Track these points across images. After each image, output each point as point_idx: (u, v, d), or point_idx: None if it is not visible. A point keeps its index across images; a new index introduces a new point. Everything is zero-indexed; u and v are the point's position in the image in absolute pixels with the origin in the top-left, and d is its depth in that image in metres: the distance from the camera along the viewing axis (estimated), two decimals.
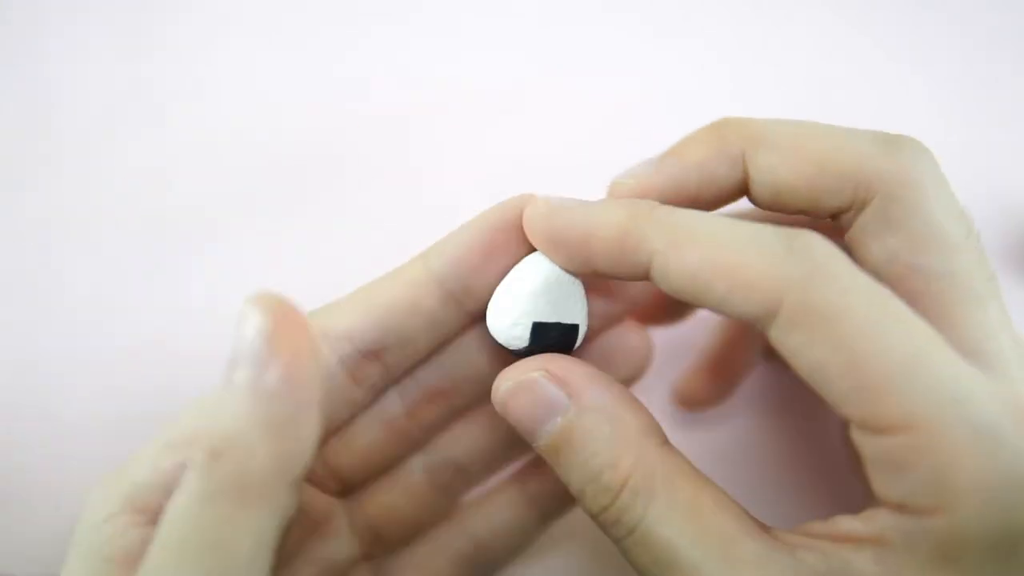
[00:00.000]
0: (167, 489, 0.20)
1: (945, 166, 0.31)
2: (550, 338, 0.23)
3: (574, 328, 0.24)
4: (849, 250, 0.20)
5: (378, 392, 0.25)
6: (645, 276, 0.20)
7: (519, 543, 0.27)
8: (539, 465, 0.27)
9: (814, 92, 0.34)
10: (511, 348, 0.24)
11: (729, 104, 0.33)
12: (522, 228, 0.23)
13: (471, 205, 0.33)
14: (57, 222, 0.33)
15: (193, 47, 0.34)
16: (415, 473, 0.26)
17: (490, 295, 0.24)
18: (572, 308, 0.24)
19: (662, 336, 0.29)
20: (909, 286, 0.20)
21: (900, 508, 0.18)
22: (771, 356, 0.29)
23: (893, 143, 0.21)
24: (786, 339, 0.18)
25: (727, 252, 0.19)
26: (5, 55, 0.34)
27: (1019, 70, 0.34)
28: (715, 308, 0.20)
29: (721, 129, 0.22)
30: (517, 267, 0.24)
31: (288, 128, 0.33)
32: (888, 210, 0.20)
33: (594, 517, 0.20)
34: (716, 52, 0.34)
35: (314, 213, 0.33)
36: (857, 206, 0.20)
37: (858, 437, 0.18)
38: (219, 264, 0.32)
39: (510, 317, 0.23)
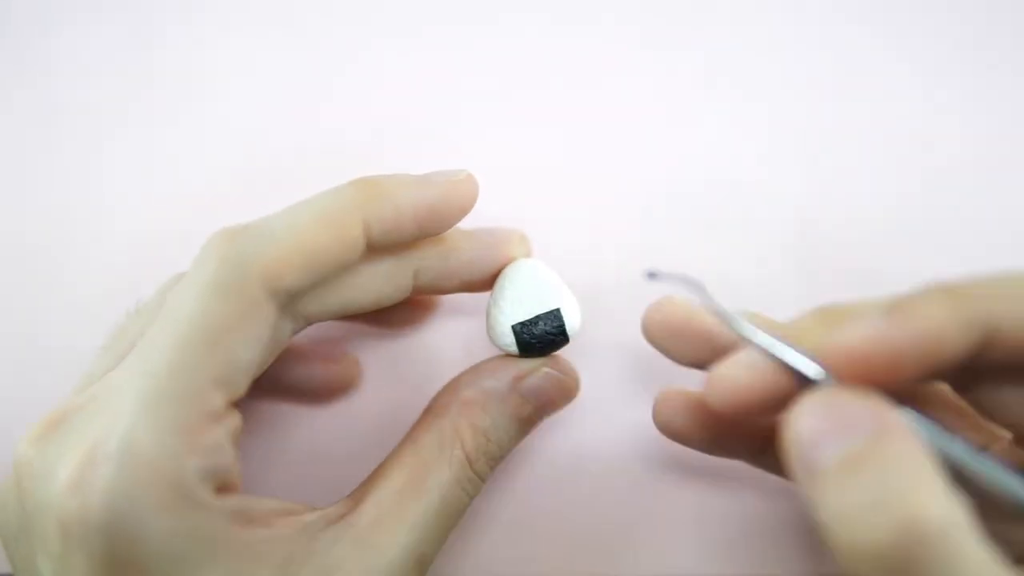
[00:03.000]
0: None
1: (946, 165, 0.31)
2: (538, 331, 0.26)
3: (556, 312, 0.26)
4: None
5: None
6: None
7: None
8: None
9: (815, 95, 0.34)
10: (511, 353, 0.27)
11: (729, 105, 0.33)
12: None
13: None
14: (61, 219, 0.33)
15: (200, 43, 0.34)
16: None
17: None
18: (551, 297, 0.27)
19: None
20: None
21: None
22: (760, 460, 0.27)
23: None
24: None
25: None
26: (10, 52, 0.34)
27: (1020, 70, 0.34)
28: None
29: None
30: (500, 277, 0.27)
31: (293, 127, 0.34)
32: None
33: (864, 551, 0.18)
34: (716, 54, 0.34)
35: None
36: None
37: None
38: None
39: (497, 327, 0.27)
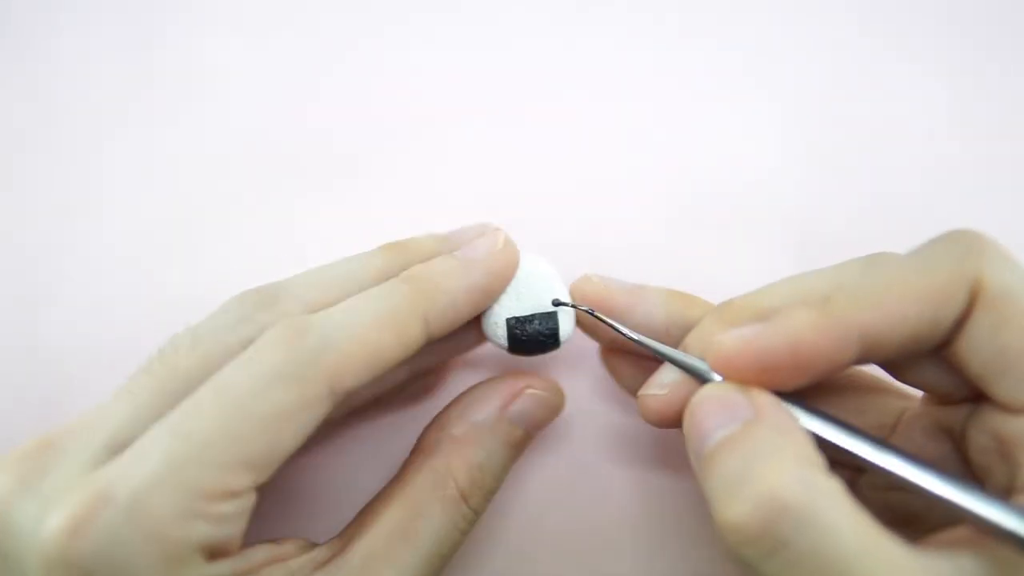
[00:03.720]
0: None
1: (946, 166, 0.31)
2: (532, 329, 0.26)
3: (553, 315, 0.26)
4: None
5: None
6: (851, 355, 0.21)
7: None
8: None
9: (815, 96, 0.34)
10: (502, 346, 0.27)
11: (729, 107, 0.34)
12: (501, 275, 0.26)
13: (472, 206, 0.33)
14: (62, 216, 0.33)
15: (200, 43, 0.34)
16: None
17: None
18: (550, 298, 0.26)
19: None
20: None
21: None
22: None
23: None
24: (980, 323, 0.20)
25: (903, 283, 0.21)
26: (11, 50, 0.34)
27: (1019, 70, 0.34)
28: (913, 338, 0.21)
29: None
30: None
31: (293, 127, 0.34)
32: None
33: (730, 525, 0.19)
34: (716, 57, 0.34)
35: (312, 208, 0.33)
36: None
37: (1021, 425, 0.20)
38: (224, 258, 0.32)
39: (492, 316, 0.26)
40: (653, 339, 0.26)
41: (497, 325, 0.26)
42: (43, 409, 0.31)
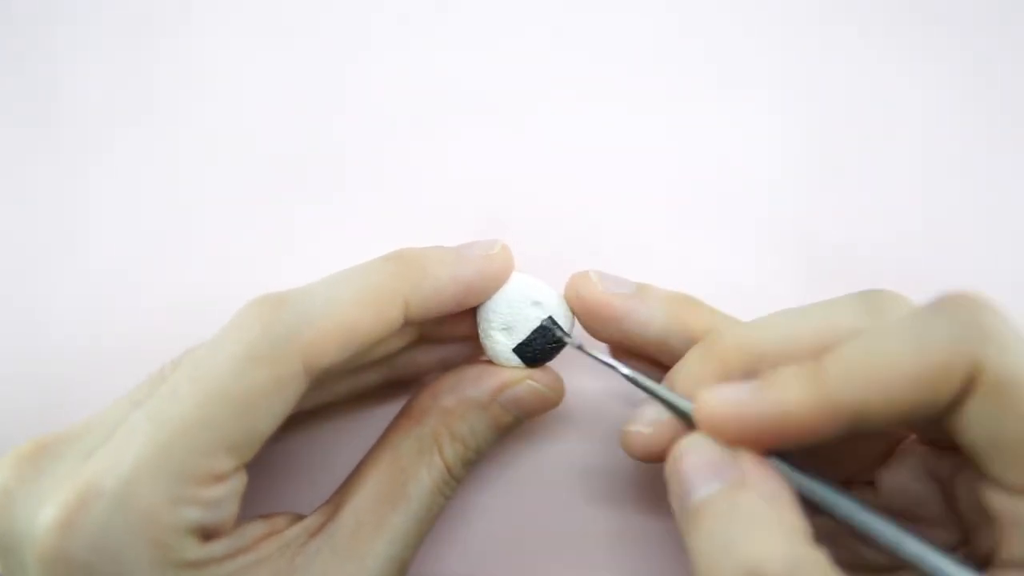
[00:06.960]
0: None
1: (945, 167, 0.31)
2: (538, 346, 0.27)
3: (547, 322, 0.27)
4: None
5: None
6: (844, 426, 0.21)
7: None
8: None
9: (815, 97, 0.34)
10: (519, 368, 0.27)
11: (730, 107, 0.34)
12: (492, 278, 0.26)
13: (472, 206, 0.33)
14: (62, 217, 0.33)
15: (200, 45, 0.34)
16: None
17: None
18: (537, 310, 0.27)
19: None
20: None
21: None
22: None
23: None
24: (978, 407, 0.20)
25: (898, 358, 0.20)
26: (11, 50, 0.34)
27: (1020, 70, 0.34)
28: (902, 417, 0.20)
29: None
30: (483, 306, 0.27)
31: (289, 127, 0.34)
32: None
33: None
34: (716, 57, 0.34)
35: (312, 212, 0.33)
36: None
37: (1009, 503, 0.20)
38: (224, 260, 0.32)
39: (499, 357, 0.27)
40: (651, 346, 0.26)
41: (508, 359, 0.27)
42: (43, 410, 0.31)
